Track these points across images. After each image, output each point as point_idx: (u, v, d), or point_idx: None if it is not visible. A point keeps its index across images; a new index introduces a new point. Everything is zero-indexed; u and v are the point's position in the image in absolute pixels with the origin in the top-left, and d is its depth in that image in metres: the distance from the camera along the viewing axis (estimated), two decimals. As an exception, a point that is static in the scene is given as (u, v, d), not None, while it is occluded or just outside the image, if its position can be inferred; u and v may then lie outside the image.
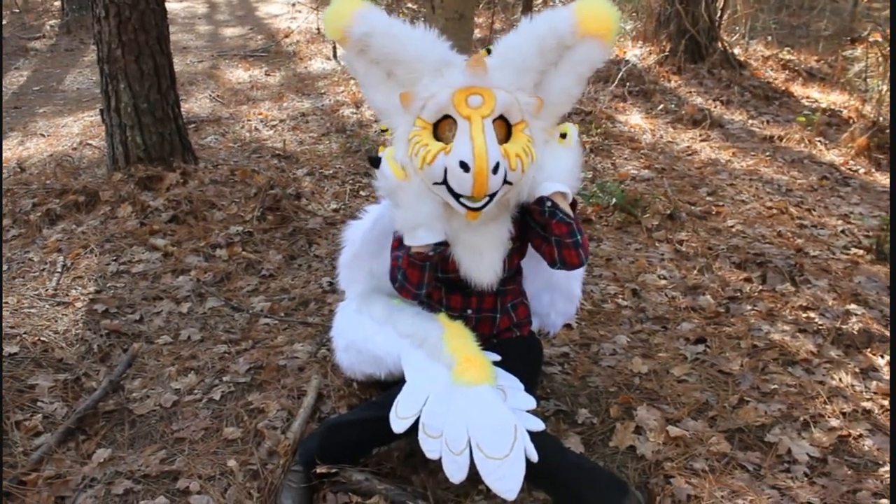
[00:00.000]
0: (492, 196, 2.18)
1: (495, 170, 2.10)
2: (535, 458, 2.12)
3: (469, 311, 2.55)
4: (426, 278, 2.40)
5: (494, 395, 2.21)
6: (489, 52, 2.25)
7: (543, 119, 2.32)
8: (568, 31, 2.19)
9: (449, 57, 2.25)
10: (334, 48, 10.13)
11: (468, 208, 2.21)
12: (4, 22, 10.41)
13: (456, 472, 2.12)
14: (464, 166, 2.09)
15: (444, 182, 2.17)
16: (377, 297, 2.72)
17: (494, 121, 2.18)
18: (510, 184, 2.20)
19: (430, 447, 2.16)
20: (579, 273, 2.83)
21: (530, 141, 2.25)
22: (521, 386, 2.39)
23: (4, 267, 3.98)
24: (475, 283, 2.43)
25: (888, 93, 6.66)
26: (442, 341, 2.37)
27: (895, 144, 5.40)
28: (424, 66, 2.22)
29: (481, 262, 2.40)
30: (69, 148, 6.58)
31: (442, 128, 2.21)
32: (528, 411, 2.29)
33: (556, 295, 2.82)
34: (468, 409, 2.16)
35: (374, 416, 2.34)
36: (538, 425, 2.24)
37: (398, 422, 2.21)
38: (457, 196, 2.19)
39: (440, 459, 2.15)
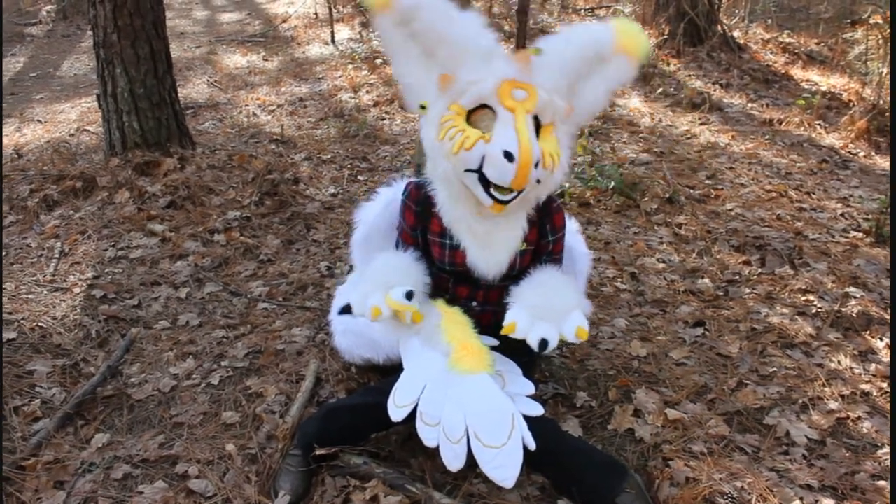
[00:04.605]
0: (520, 190, 2.17)
1: (536, 164, 2.10)
2: (532, 446, 2.12)
3: (474, 304, 2.53)
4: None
5: (492, 383, 2.20)
6: (539, 51, 2.25)
7: (569, 125, 2.33)
8: (607, 44, 2.28)
9: (495, 46, 2.23)
10: (332, 33, 10.09)
11: (496, 200, 2.19)
12: None
13: (454, 461, 2.11)
14: (508, 156, 2.06)
15: (478, 170, 2.15)
16: None
17: None
18: (538, 181, 2.20)
19: (427, 435, 2.16)
20: (584, 272, 2.83)
21: (557, 143, 2.25)
22: (520, 370, 2.39)
23: (3, 253, 3.97)
24: (479, 274, 2.41)
25: (888, 75, 6.63)
26: (439, 328, 2.36)
27: (895, 128, 5.37)
28: (470, 51, 2.18)
29: (490, 255, 2.38)
30: (66, 134, 6.56)
31: (475, 116, 2.18)
32: (526, 396, 2.29)
33: None
34: (465, 398, 2.15)
35: (373, 402, 2.33)
36: (537, 410, 2.24)
37: (396, 410, 2.20)
38: (487, 185, 2.16)
39: (438, 447, 2.15)
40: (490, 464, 2.08)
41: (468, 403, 2.14)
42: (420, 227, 2.47)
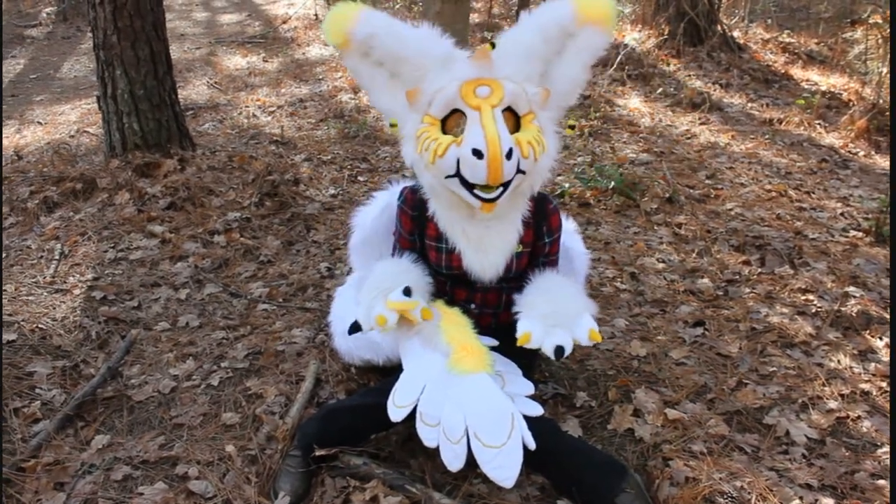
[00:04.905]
0: (506, 185, 2.17)
1: (508, 155, 2.09)
2: (532, 445, 2.12)
3: (472, 306, 2.54)
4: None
5: (491, 383, 2.20)
6: (493, 45, 2.24)
7: (551, 109, 2.31)
8: (568, 19, 2.22)
9: (453, 52, 2.25)
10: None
11: (482, 200, 2.19)
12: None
13: (454, 461, 2.11)
14: (477, 153, 2.07)
15: (457, 174, 2.16)
16: None
17: (503, 112, 2.17)
18: (523, 172, 2.20)
19: (427, 435, 2.16)
20: (582, 271, 2.85)
21: (540, 131, 2.24)
22: (520, 371, 2.38)
23: (3, 255, 3.98)
24: (475, 277, 2.42)
25: (888, 75, 6.63)
26: (438, 329, 2.36)
27: (895, 128, 5.37)
28: (429, 62, 2.22)
29: (485, 258, 2.38)
30: (66, 135, 6.57)
31: (450, 123, 2.20)
32: (526, 396, 2.29)
33: None
34: (465, 398, 2.15)
35: (373, 403, 2.34)
36: (537, 410, 2.24)
37: (396, 411, 2.20)
38: (470, 187, 2.17)
39: (438, 447, 2.15)
40: (490, 464, 2.08)
41: (468, 403, 2.14)
42: (417, 231, 2.48)
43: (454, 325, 2.37)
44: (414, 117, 2.25)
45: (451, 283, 2.53)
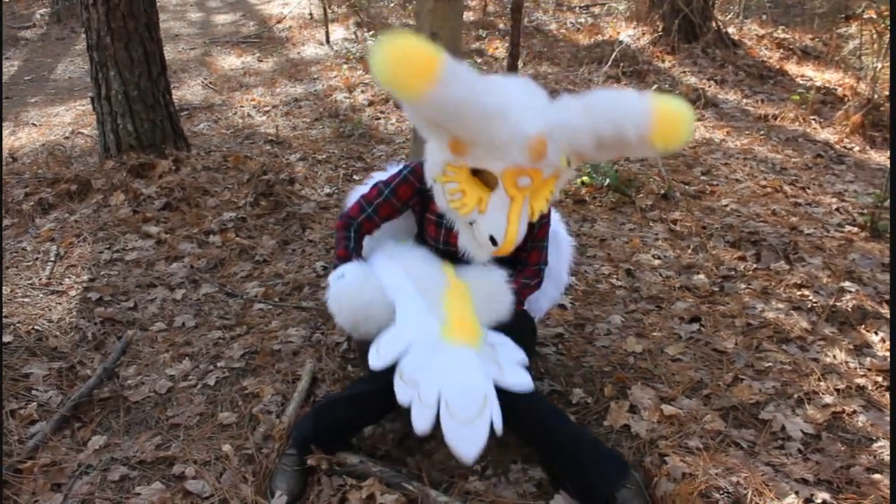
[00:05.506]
0: None
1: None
2: (500, 429, 2.10)
3: None
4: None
5: (475, 360, 2.20)
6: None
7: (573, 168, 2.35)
8: (635, 136, 2.05)
9: (516, 132, 2.11)
10: (327, 33, 10.08)
11: None
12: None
13: (421, 424, 2.09)
14: (493, 241, 2.22)
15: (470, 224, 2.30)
16: (386, 238, 2.71)
17: None
18: None
19: (402, 393, 2.16)
20: (566, 257, 2.85)
21: (556, 182, 2.33)
22: (511, 341, 2.38)
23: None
24: (468, 258, 2.45)
25: (883, 70, 6.64)
26: (441, 298, 2.37)
27: (894, 123, 5.38)
28: (490, 139, 2.12)
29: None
30: (61, 137, 6.57)
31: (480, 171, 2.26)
32: (520, 366, 2.30)
33: (545, 279, 2.81)
34: (446, 367, 2.16)
35: (366, 391, 2.35)
36: (524, 379, 2.24)
37: (376, 357, 2.23)
38: None
39: (413, 410, 2.14)
40: (453, 434, 2.06)
41: (447, 374, 2.14)
42: (417, 203, 2.53)
43: (458, 298, 2.39)
44: (447, 154, 2.24)
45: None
